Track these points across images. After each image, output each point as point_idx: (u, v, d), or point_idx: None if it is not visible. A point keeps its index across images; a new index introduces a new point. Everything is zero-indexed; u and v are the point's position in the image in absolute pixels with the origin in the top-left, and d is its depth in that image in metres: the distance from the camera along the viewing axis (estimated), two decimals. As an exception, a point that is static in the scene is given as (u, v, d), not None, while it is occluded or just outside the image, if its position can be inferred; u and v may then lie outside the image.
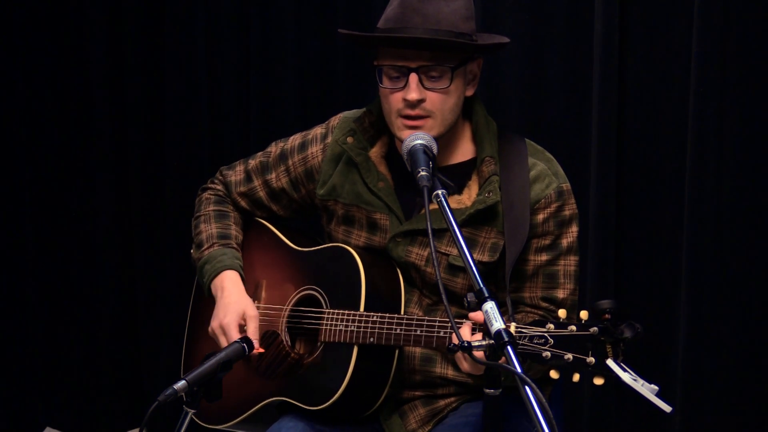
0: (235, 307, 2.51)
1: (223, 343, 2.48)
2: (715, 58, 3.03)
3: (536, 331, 2.05)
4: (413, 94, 2.33)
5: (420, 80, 2.34)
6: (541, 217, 2.40)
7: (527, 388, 1.83)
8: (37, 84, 4.21)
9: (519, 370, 1.86)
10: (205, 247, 2.62)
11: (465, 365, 2.21)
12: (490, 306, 1.95)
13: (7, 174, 4.26)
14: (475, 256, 2.38)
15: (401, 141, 2.38)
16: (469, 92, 2.45)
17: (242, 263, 2.62)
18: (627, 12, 3.19)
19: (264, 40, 3.82)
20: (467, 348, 1.94)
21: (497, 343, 1.91)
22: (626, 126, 3.22)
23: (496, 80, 3.39)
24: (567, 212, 2.43)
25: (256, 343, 2.44)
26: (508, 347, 1.90)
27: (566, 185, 2.44)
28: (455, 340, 1.97)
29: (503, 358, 1.91)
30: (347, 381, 2.34)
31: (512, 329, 2.05)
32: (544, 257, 2.42)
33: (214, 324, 2.52)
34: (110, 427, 4.28)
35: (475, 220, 2.40)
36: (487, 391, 2.01)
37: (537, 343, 2.05)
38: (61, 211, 4.25)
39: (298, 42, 3.78)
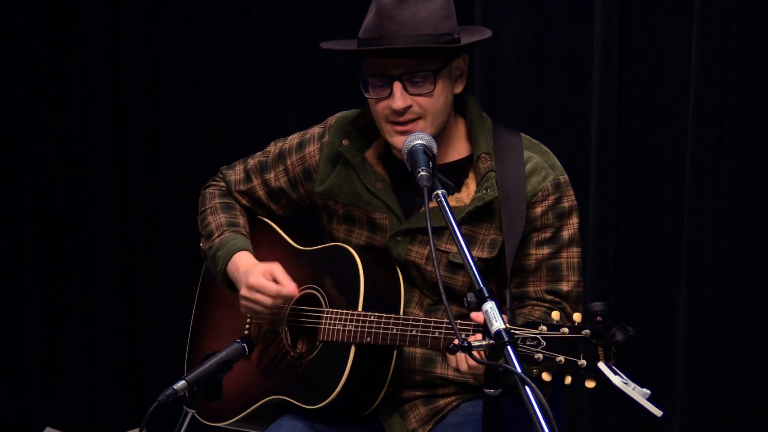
0: (254, 269, 2.48)
1: (263, 300, 2.44)
2: (715, 58, 3.03)
3: (529, 333, 2.05)
4: (398, 103, 2.33)
5: (404, 87, 2.33)
6: (539, 210, 2.40)
7: (527, 388, 1.83)
8: (37, 84, 4.21)
9: (519, 370, 1.86)
10: (216, 235, 2.61)
11: (463, 366, 2.20)
12: (490, 306, 1.94)
13: (7, 174, 4.26)
14: (474, 252, 2.39)
15: (392, 147, 2.38)
16: (458, 89, 2.44)
17: (252, 250, 2.60)
18: (627, 12, 3.19)
19: (264, 40, 3.82)
20: (467, 348, 1.94)
21: (497, 343, 1.90)
22: (626, 126, 3.22)
23: (496, 80, 3.39)
24: (566, 204, 2.43)
25: (293, 286, 2.44)
26: (508, 347, 1.90)
27: (563, 177, 2.44)
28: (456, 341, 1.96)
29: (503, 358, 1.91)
30: (344, 380, 2.34)
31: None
32: (545, 250, 2.42)
33: (243, 292, 2.47)
34: (110, 427, 4.29)
35: (474, 218, 2.40)
36: (487, 391, 2.00)
37: (529, 345, 2.04)
38: (61, 211, 4.26)
39: (298, 42, 3.79)
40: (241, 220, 2.66)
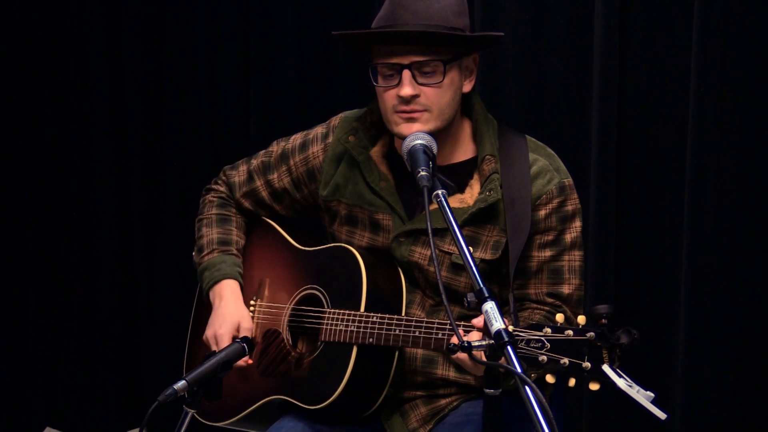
0: (231, 318, 2.53)
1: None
2: (715, 58, 3.03)
3: (533, 335, 2.05)
4: (406, 90, 2.34)
5: (413, 76, 2.34)
6: (543, 213, 2.40)
7: (527, 388, 1.83)
8: (36, 85, 4.21)
9: (519, 370, 1.86)
10: (206, 252, 2.63)
11: (469, 364, 2.21)
12: (490, 306, 1.95)
13: (7, 174, 4.26)
14: (477, 254, 2.39)
15: (399, 137, 2.39)
16: (467, 88, 2.45)
17: (242, 270, 2.62)
18: (627, 12, 3.19)
19: (264, 40, 3.82)
20: (467, 348, 1.94)
21: (497, 343, 1.91)
22: (626, 126, 3.22)
23: (497, 80, 3.39)
24: (569, 207, 2.43)
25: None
26: (508, 347, 1.90)
27: (568, 180, 2.44)
28: (455, 341, 1.96)
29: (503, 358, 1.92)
30: (345, 381, 2.34)
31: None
32: (547, 253, 2.42)
33: (209, 333, 2.54)
34: (110, 427, 4.28)
35: (477, 219, 2.40)
36: (487, 391, 2.01)
37: (534, 347, 2.04)
38: (61, 211, 4.26)
39: (298, 42, 3.78)
40: (234, 235, 2.67)
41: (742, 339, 3.10)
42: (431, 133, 2.33)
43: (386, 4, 2.38)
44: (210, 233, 2.66)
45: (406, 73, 2.34)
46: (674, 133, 3.16)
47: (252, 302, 2.61)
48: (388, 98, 2.38)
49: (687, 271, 3.11)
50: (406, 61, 2.34)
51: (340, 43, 2.65)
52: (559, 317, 2.06)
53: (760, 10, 3.00)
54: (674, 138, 3.16)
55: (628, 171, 3.24)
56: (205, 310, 2.69)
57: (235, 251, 2.64)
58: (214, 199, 2.72)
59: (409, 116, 2.36)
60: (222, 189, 2.73)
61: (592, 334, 2.00)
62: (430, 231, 2.07)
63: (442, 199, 2.11)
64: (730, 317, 3.09)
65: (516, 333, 2.06)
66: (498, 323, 1.92)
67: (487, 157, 2.42)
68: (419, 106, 2.36)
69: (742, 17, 3.02)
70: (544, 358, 2.03)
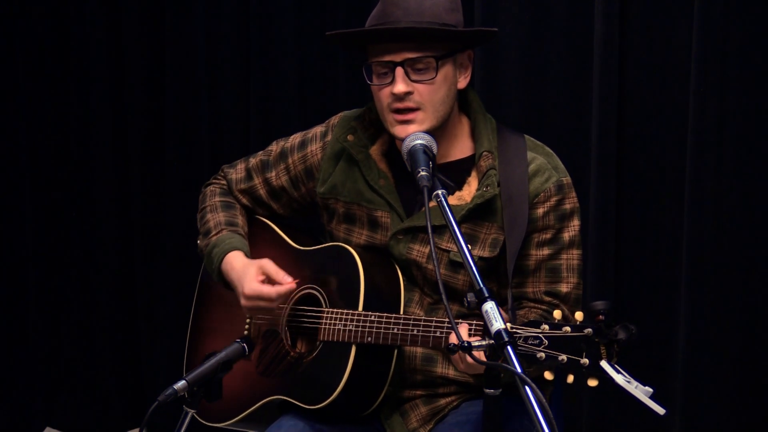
0: (247, 272, 2.48)
1: (265, 305, 2.45)
2: (715, 58, 3.04)
3: (531, 332, 2.05)
4: (399, 87, 2.34)
5: (406, 73, 2.35)
6: (541, 211, 2.40)
7: (527, 388, 1.83)
8: (37, 85, 4.21)
9: (519, 370, 1.86)
10: (214, 233, 2.61)
11: (461, 366, 2.21)
12: (490, 306, 1.95)
13: (7, 174, 4.26)
14: (475, 251, 2.39)
15: (396, 138, 2.39)
16: (462, 84, 2.45)
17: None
18: (627, 12, 3.19)
19: (264, 40, 3.82)
20: (467, 348, 1.94)
21: (497, 343, 1.91)
22: (626, 126, 3.23)
23: (497, 79, 3.40)
24: (567, 206, 2.43)
25: (284, 277, 2.43)
26: (508, 347, 1.90)
27: (566, 179, 2.44)
28: (454, 340, 1.96)
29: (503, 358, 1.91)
30: (345, 380, 2.34)
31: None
32: (545, 251, 2.42)
33: (243, 302, 2.48)
34: (110, 427, 4.28)
35: (475, 216, 2.40)
36: (487, 391, 2.00)
37: (531, 344, 2.04)
38: (61, 211, 4.26)
39: (298, 42, 3.79)
40: (240, 219, 2.66)
41: (742, 338, 3.11)
42: (428, 132, 2.33)
43: (379, 3, 2.39)
44: (216, 217, 2.64)
45: (399, 71, 2.34)
46: (674, 133, 3.16)
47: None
48: (383, 96, 2.38)
49: (687, 270, 3.11)
50: (398, 58, 2.35)
51: (336, 44, 2.66)
52: (557, 314, 2.06)
53: (760, 10, 3.00)
54: (674, 138, 3.16)
55: (628, 171, 3.24)
56: (205, 307, 2.69)
57: (242, 232, 2.63)
58: (216, 189, 2.72)
59: (404, 117, 2.36)
60: (222, 182, 2.74)
61: (589, 330, 2.00)
62: (430, 231, 2.07)
63: (442, 199, 2.11)
64: (730, 317, 3.10)
65: (514, 330, 2.06)
66: (498, 323, 1.92)
67: (485, 153, 2.42)
68: (413, 103, 2.36)
69: (742, 17, 3.02)
70: (542, 355, 2.02)
